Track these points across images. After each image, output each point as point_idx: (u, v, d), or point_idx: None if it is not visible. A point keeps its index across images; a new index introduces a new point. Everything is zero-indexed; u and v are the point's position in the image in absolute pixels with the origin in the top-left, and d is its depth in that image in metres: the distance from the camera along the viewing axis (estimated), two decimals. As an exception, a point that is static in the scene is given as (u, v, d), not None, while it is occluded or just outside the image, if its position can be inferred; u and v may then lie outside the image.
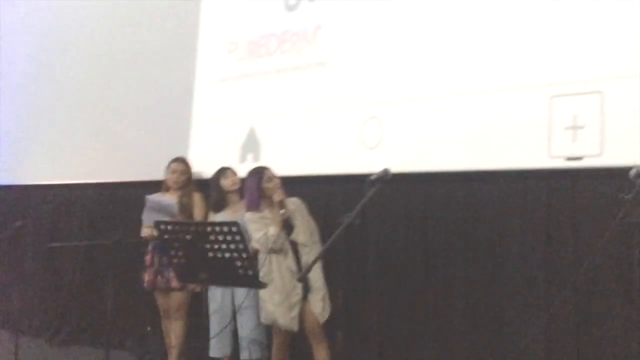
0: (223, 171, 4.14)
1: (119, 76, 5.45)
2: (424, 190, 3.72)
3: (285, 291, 3.46)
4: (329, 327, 3.42)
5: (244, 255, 2.62)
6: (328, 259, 3.43)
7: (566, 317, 3.13)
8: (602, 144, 3.06)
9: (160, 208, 3.95)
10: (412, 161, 3.67)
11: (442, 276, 3.58)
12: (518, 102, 3.36)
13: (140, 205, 4.39)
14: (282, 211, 3.41)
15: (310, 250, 3.45)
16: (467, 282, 3.49)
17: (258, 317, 3.89)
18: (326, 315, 3.43)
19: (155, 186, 4.51)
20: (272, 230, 3.44)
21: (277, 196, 3.50)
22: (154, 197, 4.16)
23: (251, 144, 4.55)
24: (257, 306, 3.92)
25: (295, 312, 3.47)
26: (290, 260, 3.48)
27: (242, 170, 4.26)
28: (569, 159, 3.15)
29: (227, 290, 3.94)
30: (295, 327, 3.49)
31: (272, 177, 3.59)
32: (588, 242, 3.07)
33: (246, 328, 3.92)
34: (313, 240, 3.53)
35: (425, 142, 3.67)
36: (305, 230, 3.52)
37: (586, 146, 3.09)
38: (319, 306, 3.42)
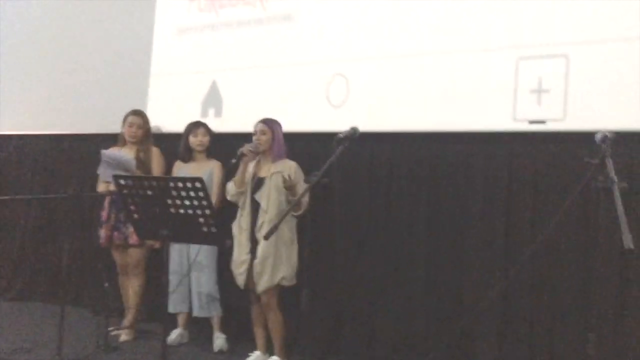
0: (194, 128, 4.06)
1: (75, 26, 5.18)
2: (389, 150, 3.71)
3: (239, 247, 3.48)
4: (295, 287, 3.43)
5: (208, 212, 2.56)
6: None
7: (523, 282, 3.22)
8: (565, 108, 3.10)
9: (117, 163, 3.82)
10: (378, 121, 3.65)
11: (404, 236, 3.61)
12: (485, 64, 3.36)
13: (96, 159, 4.25)
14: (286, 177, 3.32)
15: (272, 215, 3.38)
16: (429, 242, 3.54)
17: (212, 273, 3.93)
18: (266, 284, 3.38)
19: (112, 139, 4.37)
20: (229, 185, 3.57)
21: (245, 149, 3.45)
22: (110, 152, 4.02)
23: (213, 99, 4.44)
24: (213, 263, 3.93)
25: (241, 269, 3.47)
26: (245, 218, 3.48)
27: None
28: (533, 122, 3.18)
29: (184, 248, 3.91)
30: (240, 284, 3.50)
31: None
32: (549, 207, 3.13)
33: (200, 284, 3.94)
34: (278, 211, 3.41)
35: (391, 101, 3.64)
36: (274, 201, 3.42)
37: (550, 110, 3.13)
38: (258, 272, 3.39)
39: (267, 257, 3.37)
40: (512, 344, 3.25)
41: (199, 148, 4.04)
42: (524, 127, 3.21)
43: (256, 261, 3.39)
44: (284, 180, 3.25)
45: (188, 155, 4.07)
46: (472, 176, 3.43)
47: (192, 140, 4.04)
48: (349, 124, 2.86)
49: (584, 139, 2.57)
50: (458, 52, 3.45)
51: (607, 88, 3.01)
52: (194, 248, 3.83)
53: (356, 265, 3.70)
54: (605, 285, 2.94)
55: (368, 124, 3.43)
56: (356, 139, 2.82)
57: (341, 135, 2.71)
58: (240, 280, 3.49)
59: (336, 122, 3.62)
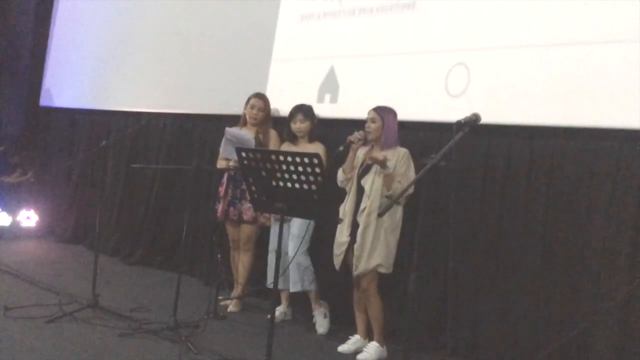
0: (294, 114, 4.16)
1: (202, 10, 5.46)
2: (508, 143, 3.58)
3: (341, 229, 3.54)
4: (403, 270, 3.41)
5: (322, 188, 2.61)
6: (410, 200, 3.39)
7: None
8: None
9: (238, 140, 3.99)
10: (497, 112, 3.52)
11: (519, 231, 3.47)
12: (617, 56, 3.14)
13: (215, 139, 4.48)
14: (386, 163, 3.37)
15: (374, 200, 3.40)
16: (545, 239, 3.37)
17: (303, 244, 3.87)
18: (362, 268, 3.40)
19: (232, 120, 4.57)
20: (339, 171, 3.63)
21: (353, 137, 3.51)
22: (233, 130, 4.21)
23: (329, 85, 4.49)
24: (303, 235, 3.84)
25: (339, 251, 3.53)
26: (350, 202, 3.52)
27: (319, 110, 4.26)
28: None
29: (285, 230, 3.98)
30: (337, 266, 3.56)
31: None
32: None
33: (290, 255, 3.92)
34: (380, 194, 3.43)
35: (513, 93, 3.50)
36: (378, 188, 3.42)
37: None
38: (356, 256, 3.42)
39: (365, 242, 3.39)
40: (629, 356, 3.02)
41: (298, 134, 4.15)
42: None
43: (355, 245, 3.43)
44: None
45: (293, 137, 4.19)
46: (598, 176, 3.22)
47: (292, 126, 4.15)
48: (467, 114, 2.79)
49: None
50: (587, 43, 3.25)
51: None
52: (293, 227, 3.95)
53: (466, 255, 3.61)
54: None
55: (487, 115, 3.31)
56: (476, 127, 2.75)
57: (462, 120, 2.65)
58: (337, 261, 3.55)
59: (454, 112, 3.53)
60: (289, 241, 3.99)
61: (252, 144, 4.07)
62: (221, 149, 4.20)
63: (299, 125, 4.14)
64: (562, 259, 3.31)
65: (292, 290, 4.06)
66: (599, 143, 3.23)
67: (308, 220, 3.87)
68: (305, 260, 4.01)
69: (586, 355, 3.18)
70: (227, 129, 4.17)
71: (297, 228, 3.96)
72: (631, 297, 3.03)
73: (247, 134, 4.17)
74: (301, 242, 3.75)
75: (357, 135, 3.53)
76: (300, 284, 4.00)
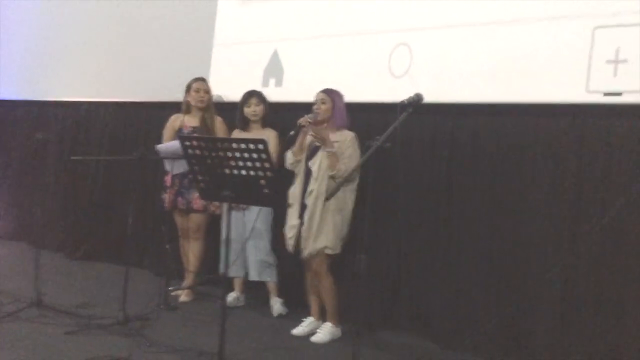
0: (247, 99, 4.09)
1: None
2: (452, 121, 3.62)
3: (291, 212, 3.55)
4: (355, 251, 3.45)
5: (269, 174, 2.58)
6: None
7: (588, 262, 3.09)
8: (644, 80, 2.93)
9: (172, 153, 3.81)
10: (441, 91, 3.55)
11: (465, 207, 3.53)
12: (558, 33, 3.20)
13: (160, 127, 4.40)
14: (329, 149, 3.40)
15: (321, 182, 3.41)
16: (491, 215, 3.45)
17: (268, 240, 4.00)
18: (309, 250, 3.44)
19: (175, 107, 4.46)
20: (288, 153, 3.64)
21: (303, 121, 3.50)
22: (161, 146, 4.03)
23: (274, 68, 4.44)
24: (268, 230, 3.98)
25: (291, 234, 3.55)
26: (298, 184, 3.54)
27: (266, 94, 4.20)
28: (608, 94, 3.03)
29: (239, 216, 3.97)
30: (289, 248, 3.58)
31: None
32: (622, 184, 2.99)
33: (256, 251, 4.01)
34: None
35: (456, 72, 3.54)
36: (325, 170, 3.42)
37: (627, 81, 2.96)
38: (304, 237, 3.45)
39: (312, 224, 3.42)
40: (572, 324, 3.15)
41: (253, 118, 4.08)
42: (598, 99, 3.06)
43: (303, 227, 3.45)
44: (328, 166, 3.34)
45: (245, 124, 4.12)
46: (540, 150, 3.30)
47: (246, 110, 4.08)
48: (410, 94, 2.80)
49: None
50: (528, 20, 3.31)
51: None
52: (250, 215, 3.91)
53: (414, 234, 3.66)
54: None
55: (431, 95, 3.35)
56: (419, 107, 2.77)
57: (405, 101, 2.67)
58: (289, 244, 3.57)
59: (398, 93, 3.54)
60: (252, 237, 3.93)
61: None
62: (168, 169, 4.11)
63: (254, 109, 4.06)
64: (508, 233, 3.40)
65: (251, 279, 4.07)
66: (541, 118, 3.30)
67: (268, 213, 3.94)
68: (272, 258, 4.02)
69: (532, 325, 3.28)
70: (157, 148, 4.00)
71: (259, 223, 3.92)
72: (573, 267, 3.14)
73: (174, 142, 4.01)
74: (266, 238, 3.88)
75: (306, 118, 3.51)
76: (263, 275, 4.03)
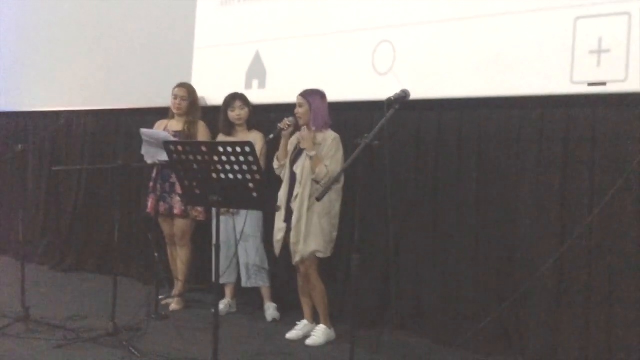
0: (230, 102, 4.04)
1: (120, 1, 5.21)
2: (438, 117, 3.61)
3: (278, 216, 3.53)
4: (344, 250, 3.42)
5: (257, 177, 2.54)
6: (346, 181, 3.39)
7: (578, 254, 3.09)
8: (627, 69, 2.93)
9: (157, 140, 3.79)
10: (426, 87, 3.53)
11: (453, 203, 3.52)
12: (540, 24, 3.20)
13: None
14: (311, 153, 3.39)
15: (305, 186, 3.39)
16: (479, 209, 3.45)
17: (259, 244, 3.96)
18: (300, 255, 3.41)
19: (158, 113, 4.41)
20: (275, 159, 3.64)
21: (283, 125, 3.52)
22: (148, 131, 4.03)
23: (256, 70, 4.40)
24: (259, 234, 3.93)
25: (278, 238, 3.53)
26: (283, 188, 3.53)
27: (248, 97, 4.16)
28: (592, 84, 3.03)
29: (229, 220, 3.92)
30: (276, 252, 3.57)
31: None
32: (609, 174, 2.99)
33: (247, 255, 3.97)
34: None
35: (440, 67, 3.53)
36: (308, 173, 3.40)
37: (611, 71, 2.97)
38: (293, 242, 3.42)
39: (300, 228, 3.39)
40: (565, 317, 3.15)
41: (238, 122, 4.04)
42: (582, 89, 3.06)
43: (292, 232, 3.42)
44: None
45: (229, 128, 4.07)
46: (526, 142, 3.30)
47: (231, 114, 4.03)
48: (395, 92, 2.77)
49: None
50: (510, 13, 3.30)
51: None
52: (239, 220, 3.86)
53: (405, 231, 3.65)
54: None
55: (416, 91, 3.33)
56: (406, 103, 2.74)
57: (392, 97, 2.64)
58: (277, 247, 3.55)
59: (382, 90, 3.53)
60: (241, 242, 3.89)
61: (170, 139, 3.93)
62: (143, 152, 4.02)
63: (239, 112, 4.02)
64: (496, 226, 3.40)
65: (244, 285, 4.03)
66: (526, 110, 3.30)
67: (258, 217, 3.90)
68: (264, 263, 3.98)
69: (525, 320, 3.28)
70: (142, 131, 3.98)
71: (249, 228, 3.87)
72: (563, 259, 3.14)
73: (162, 132, 4.04)
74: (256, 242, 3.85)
75: (286, 121, 3.51)
76: (255, 280, 3.99)
